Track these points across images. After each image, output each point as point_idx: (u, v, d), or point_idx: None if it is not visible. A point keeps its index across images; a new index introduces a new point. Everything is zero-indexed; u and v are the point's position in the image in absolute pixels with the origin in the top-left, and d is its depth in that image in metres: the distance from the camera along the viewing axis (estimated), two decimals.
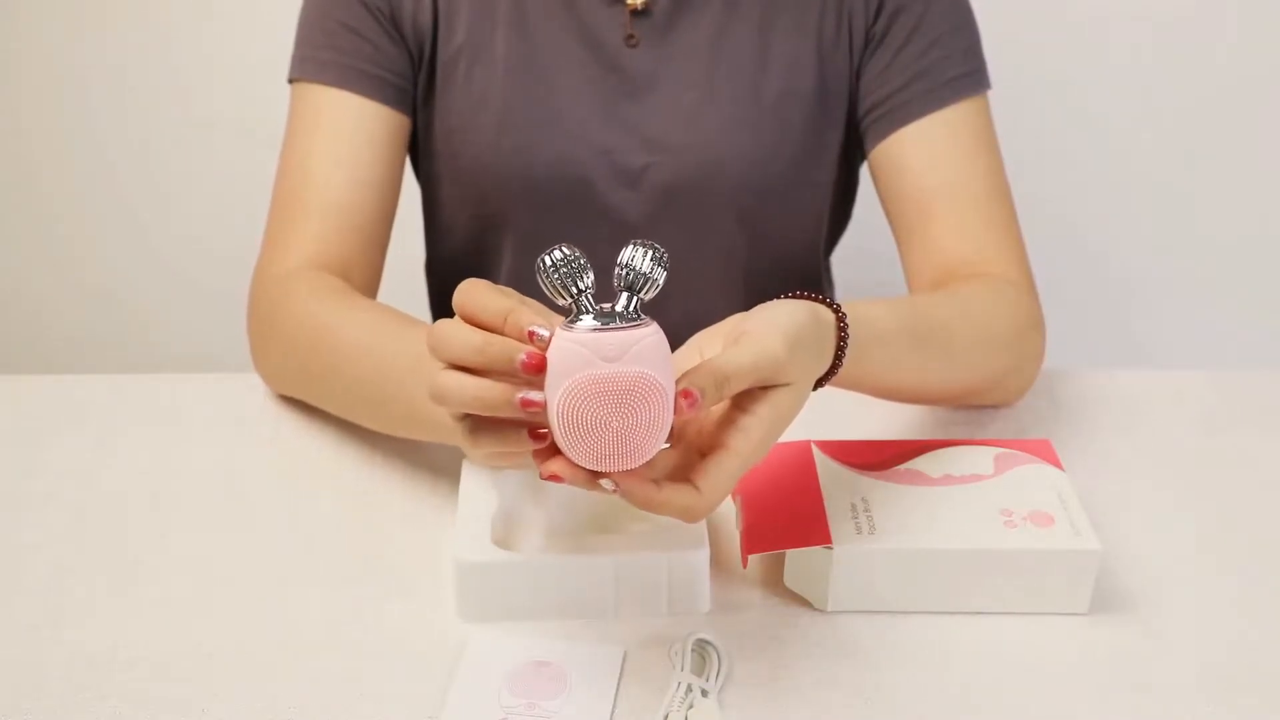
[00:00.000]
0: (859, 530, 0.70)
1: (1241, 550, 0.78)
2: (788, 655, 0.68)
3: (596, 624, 0.70)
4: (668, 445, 0.62)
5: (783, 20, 0.96)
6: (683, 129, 0.96)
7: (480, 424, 0.59)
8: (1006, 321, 0.87)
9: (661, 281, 0.58)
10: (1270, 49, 1.57)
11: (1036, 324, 0.90)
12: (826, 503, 0.72)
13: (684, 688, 0.64)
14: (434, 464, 0.84)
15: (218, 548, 0.77)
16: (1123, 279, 1.73)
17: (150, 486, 0.83)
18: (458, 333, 0.58)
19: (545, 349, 0.56)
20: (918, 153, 0.94)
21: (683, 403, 0.57)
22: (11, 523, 0.79)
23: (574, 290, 0.56)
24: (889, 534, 0.70)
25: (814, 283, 1.09)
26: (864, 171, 1.04)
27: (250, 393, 0.92)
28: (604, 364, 0.56)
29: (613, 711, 0.64)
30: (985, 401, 0.91)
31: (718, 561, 0.73)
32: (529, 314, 0.57)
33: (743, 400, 0.62)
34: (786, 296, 0.67)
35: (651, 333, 0.57)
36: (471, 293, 0.59)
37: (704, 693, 0.64)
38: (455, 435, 0.61)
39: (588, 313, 0.57)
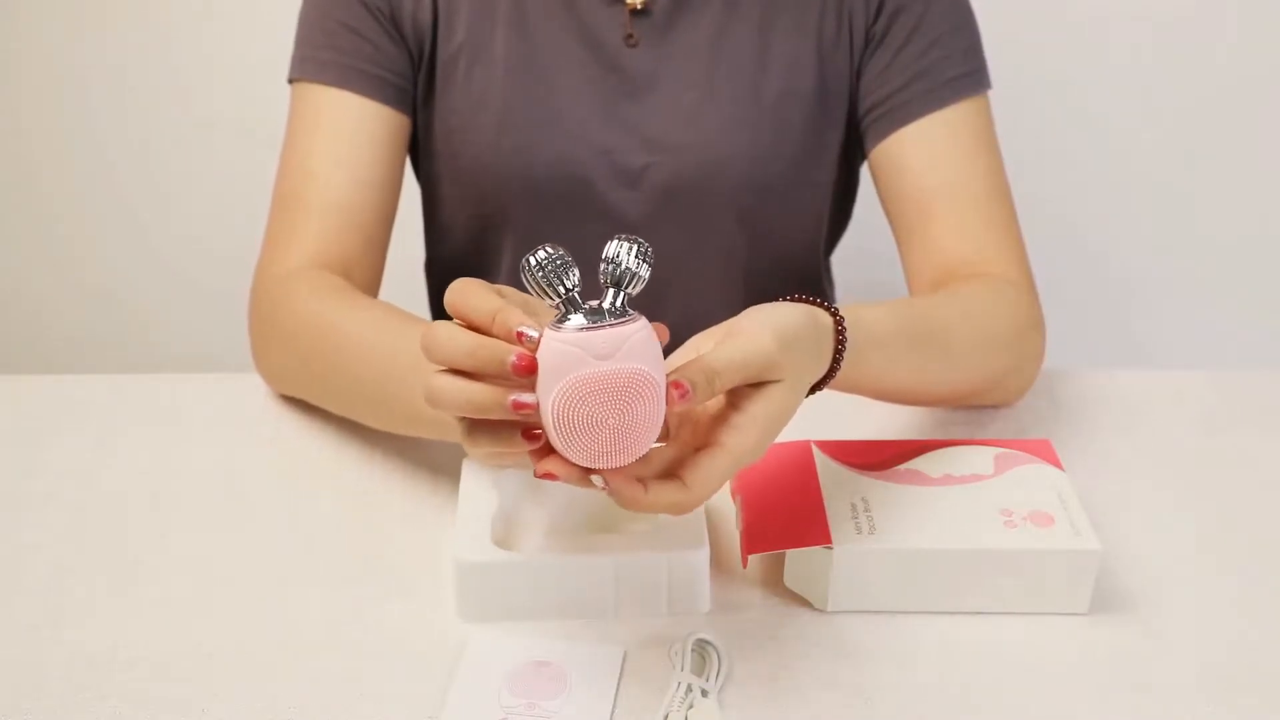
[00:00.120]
0: (859, 530, 0.70)
1: (1241, 550, 0.78)
2: (788, 655, 0.68)
3: (596, 624, 0.70)
4: (660, 444, 0.62)
5: (783, 20, 0.96)
6: (682, 129, 0.96)
7: (476, 425, 0.59)
8: (1006, 322, 0.87)
9: (647, 276, 0.57)
10: (1270, 49, 1.57)
11: (1036, 324, 0.90)
12: (826, 503, 0.72)
13: (684, 688, 0.64)
14: (434, 464, 0.84)
15: (218, 548, 0.77)
16: (1123, 279, 1.73)
17: (150, 486, 0.83)
18: (450, 336, 0.58)
19: (535, 349, 0.56)
20: (918, 153, 0.94)
21: (674, 394, 0.57)
22: (11, 523, 0.79)
23: (560, 290, 0.56)
24: (889, 534, 0.70)
25: (814, 283, 1.09)
26: (864, 172, 1.04)
27: (250, 393, 0.92)
28: (596, 362, 0.56)
29: (613, 711, 0.64)
30: (985, 402, 0.91)
31: (718, 561, 0.73)
32: (517, 314, 0.57)
33: (736, 398, 0.62)
34: (785, 300, 0.67)
35: (641, 327, 0.57)
36: (463, 293, 0.59)
37: (704, 693, 0.64)
38: (457, 433, 0.61)
39: (576, 311, 0.56)
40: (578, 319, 0.56)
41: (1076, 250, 1.67)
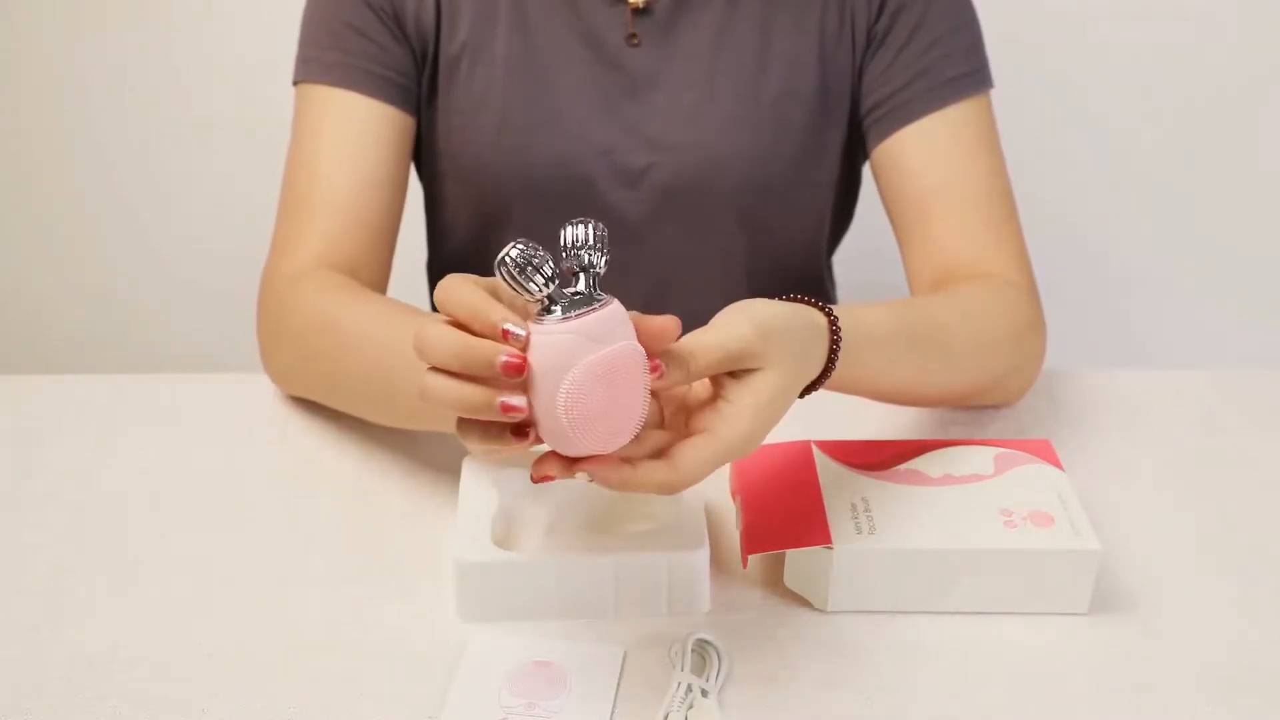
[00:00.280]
0: (859, 530, 0.70)
1: (1241, 550, 0.78)
2: (788, 655, 0.68)
3: (596, 624, 0.70)
4: (656, 430, 0.63)
5: (784, 19, 0.96)
6: (683, 128, 0.96)
7: (468, 421, 0.59)
8: (1006, 323, 0.87)
9: (607, 254, 0.57)
10: (1270, 49, 1.57)
11: (1036, 325, 0.90)
12: (826, 503, 0.72)
13: (684, 688, 0.64)
14: (434, 464, 0.84)
15: (218, 548, 0.77)
16: (1123, 279, 1.73)
17: (150, 486, 0.83)
18: (439, 336, 0.57)
19: (524, 347, 0.56)
20: (919, 152, 0.94)
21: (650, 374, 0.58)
22: (11, 523, 0.79)
23: (539, 283, 0.55)
24: (889, 534, 0.70)
25: (816, 283, 1.09)
26: (866, 171, 1.04)
27: (250, 393, 0.92)
28: (597, 347, 0.56)
29: (613, 711, 0.64)
30: (985, 402, 0.91)
31: (718, 561, 0.73)
32: (500, 310, 0.57)
33: (723, 388, 0.62)
34: (780, 299, 0.67)
35: (618, 305, 0.57)
36: (451, 290, 0.59)
37: (704, 693, 0.64)
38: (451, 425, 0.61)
39: (555, 302, 0.56)
40: (560, 309, 0.56)
41: (1076, 250, 1.67)
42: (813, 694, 0.65)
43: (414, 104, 0.97)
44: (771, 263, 1.03)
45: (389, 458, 0.85)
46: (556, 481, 0.74)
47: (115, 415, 0.91)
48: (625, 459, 0.60)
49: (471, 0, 0.95)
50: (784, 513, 0.72)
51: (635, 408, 0.58)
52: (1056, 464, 0.76)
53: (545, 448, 0.60)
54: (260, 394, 0.92)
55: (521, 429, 0.58)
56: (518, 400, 0.56)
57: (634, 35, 0.96)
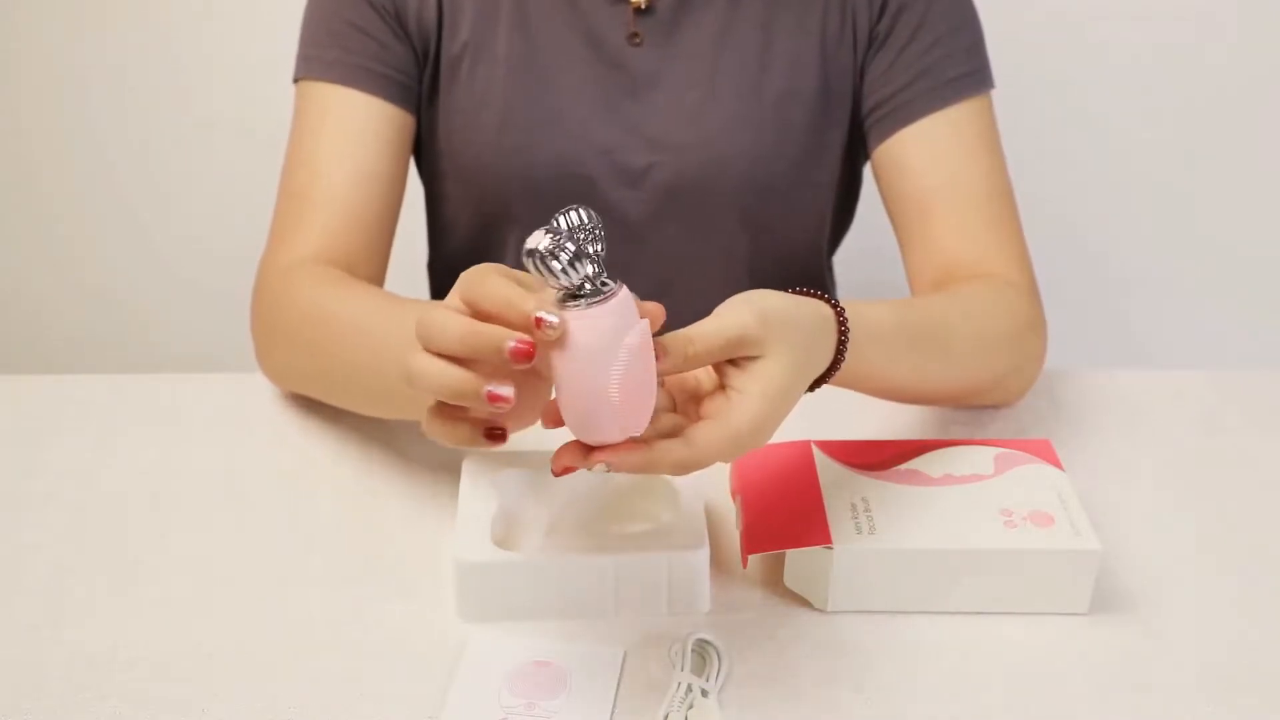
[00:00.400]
0: (859, 530, 0.70)
1: (1241, 550, 0.78)
2: (788, 655, 0.68)
3: (596, 624, 0.70)
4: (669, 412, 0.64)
5: (786, 19, 0.96)
6: (685, 128, 0.96)
7: (439, 416, 0.59)
8: (1006, 322, 0.87)
9: (604, 237, 0.57)
10: (1270, 49, 1.57)
11: (1037, 325, 0.90)
12: (826, 503, 0.72)
13: (684, 688, 0.64)
14: (434, 464, 0.84)
15: (218, 548, 0.77)
16: (1123, 279, 1.73)
17: (150, 486, 0.83)
18: (446, 321, 0.57)
19: (559, 334, 0.55)
20: (920, 152, 0.94)
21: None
22: (11, 523, 0.79)
23: (572, 270, 0.55)
24: (889, 534, 0.70)
25: (817, 282, 1.09)
26: (867, 171, 1.04)
27: (250, 393, 0.92)
28: (629, 327, 0.56)
29: (613, 711, 0.64)
30: (985, 402, 0.91)
31: (718, 561, 0.73)
32: (535, 300, 0.56)
33: (726, 377, 0.62)
34: (786, 292, 0.67)
35: (625, 288, 0.57)
36: (480, 282, 0.58)
37: (704, 693, 0.64)
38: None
39: (584, 286, 0.56)
40: (585, 294, 0.56)
41: (1076, 250, 1.67)
42: (813, 694, 0.65)
43: (414, 103, 0.97)
44: (773, 262, 1.03)
45: (389, 458, 0.85)
46: (556, 481, 0.75)
47: (115, 415, 0.91)
48: (639, 441, 0.60)
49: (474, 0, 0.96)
50: (784, 513, 0.72)
51: (653, 385, 0.58)
52: (1056, 464, 0.76)
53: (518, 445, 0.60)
54: (260, 394, 0.92)
55: (497, 432, 0.59)
56: (505, 390, 0.56)
57: (635, 35, 0.96)
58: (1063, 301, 1.16)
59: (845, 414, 0.84)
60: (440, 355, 0.58)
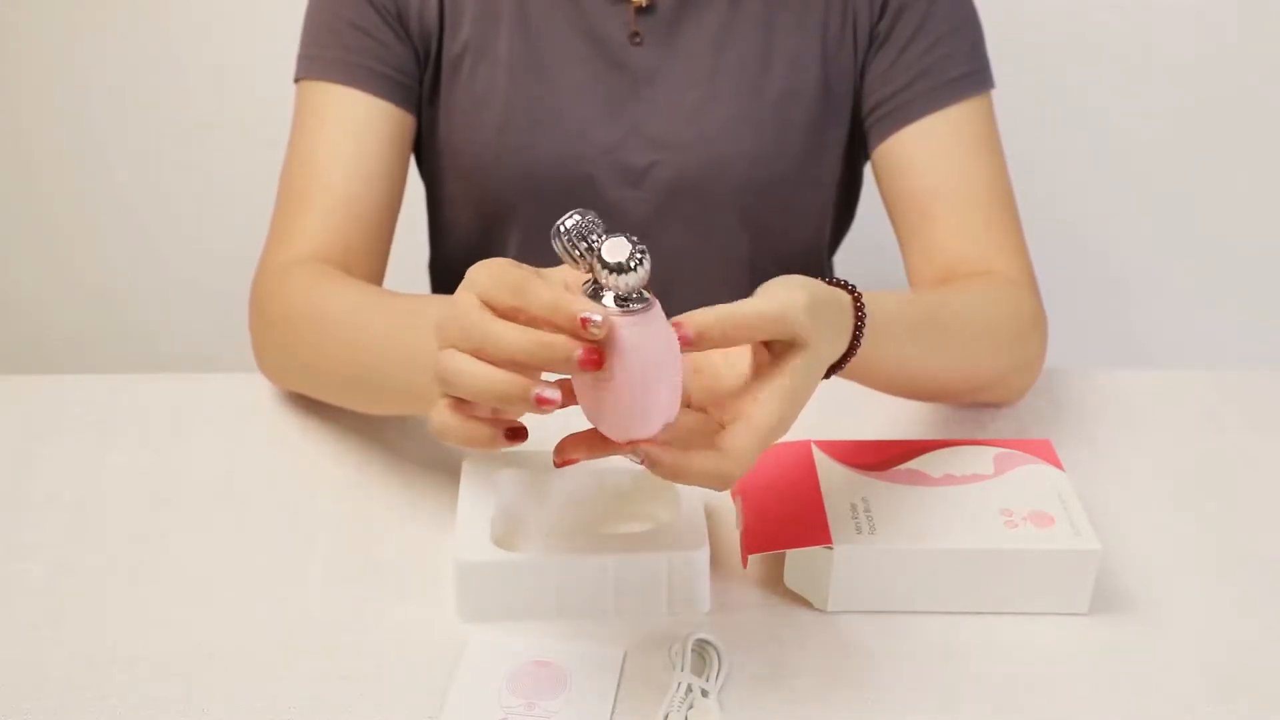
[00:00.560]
0: (859, 530, 0.70)
1: (1242, 550, 0.78)
2: (788, 655, 0.68)
3: (596, 624, 0.70)
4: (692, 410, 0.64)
5: (787, 18, 0.96)
6: (686, 127, 0.97)
7: (455, 417, 0.59)
8: (1012, 318, 0.87)
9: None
10: (1270, 49, 1.57)
11: (1039, 322, 0.90)
12: (826, 503, 0.72)
13: (684, 688, 0.64)
14: (434, 464, 0.84)
15: (218, 548, 0.77)
16: (1123, 279, 1.73)
17: (150, 486, 0.83)
18: (514, 334, 0.56)
19: (603, 334, 0.55)
20: (920, 152, 0.94)
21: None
22: (11, 523, 0.79)
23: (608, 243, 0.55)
24: (889, 534, 0.70)
25: None
26: (867, 170, 1.04)
27: (250, 393, 0.92)
28: (668, 326, 0.57)
29: (613, 711, 0.64)
30: (988, 398, 0.91)
31: (718, 561, 0.73)
32: (581, 302, 0.56)
33: (760, 370, 0.62)
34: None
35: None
36: (526, 286, 0.57)
37: (704, 693, 0.64)
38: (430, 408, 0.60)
39: (603, 285, 0.56)
40: (609, 296, 0.56)
41: (1076, 250, 1.67)
42: (813, 694, 0.65)
43: (414, 103, 0.97)
44: (773, 261, 1.03)
45: (389, 458, 0.85)
46: (556, 481, 0.75)
47: (115, 415, 0.91)
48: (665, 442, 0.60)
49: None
50: (784, 513, 0.72)
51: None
52: (1057, 464, 0.76)
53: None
54: (260, 394, 0.92)
55: (517, 431, 0.58)
56: (553, 393, 0.56)
57: (636, 34, 0.96)
58: (1063, 301, 1.16)
59: (845, 414, 0.84)
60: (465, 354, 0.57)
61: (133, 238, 1.80)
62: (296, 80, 0.96)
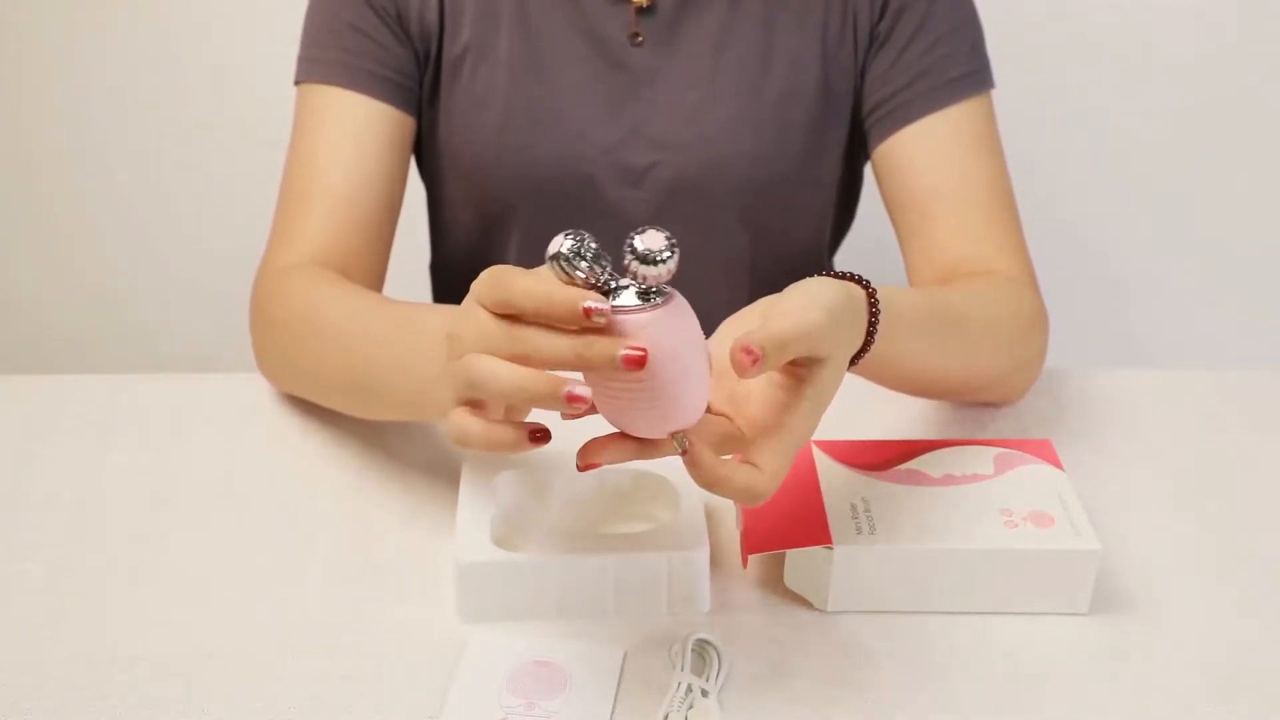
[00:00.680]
0: (859, 530, 0.70)
1: (1242, 550, 0.78)
2: (788, 655, 0.68)
3: (596, 624, 0.70)
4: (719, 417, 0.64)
5: (787, 18, 0.96)
6: (686, 127, 0.97)
7: (474, 421, 0.58)
8: (1013, 316, 0.87)
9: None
10: (1270, 49, 1.57)
11: (1041, 321, 0.90)
12: (826, 503, 0.72)
13: (684, 688, 0.64)
14: (434, 464, 0.84)
15: (218, 548, 0.77)
16: (1123, 279, 1.73)
17: (150, 486, 0.83)
18: (544, 337, 0.56)
19: (606, 322, 0.55)
20: (920, 152, 0.94)
21: (745, 359, 0.57)
22: (11, 523, 0.79)
23: (599, 267, 0.55)
24: (889, 534, 0.70)
25: None
26: (867, 170, 1.04)
27: (250, 393, 0.92)
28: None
29: (613, 711, 0.64)
30: (991, 397, 0.91)
31: (718, 561, 0.73)
32: (581, 293, 0.55)
33: (786, 379, 0.62)
34: (820, 275, 0.66)
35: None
36: (524, 286, 0.57)
37: (704, 693, 0.64)
38: (431, 413, 0.60)
39: (620, 285, 0.56)
40: (628, 294, 0.56)
41: (1076, 250, 1.67)
42: (813, 694, 0.65)
43: (414, 104, 0.97)
44: (774, 261, 1.03)
45: (389, 458, 0.85)
46: (556, 482, 0.75)
47: (115, 415, 0.91)
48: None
49: (475, 1, 0.96)
50: (784, 513, 0.72)
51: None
52: (1057, 464, 0.76)
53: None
54: (260, 394, 0.92)
55: (541, 433, 0.58)
56: (584, 390, 0.56)
57: (637, 34, 0.96)
58: (1063, 301, 1.15)
59: (845, 414, 0.84)
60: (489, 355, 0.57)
61: (133, 238, 1.80)
62: (297, 83, 0.96)
